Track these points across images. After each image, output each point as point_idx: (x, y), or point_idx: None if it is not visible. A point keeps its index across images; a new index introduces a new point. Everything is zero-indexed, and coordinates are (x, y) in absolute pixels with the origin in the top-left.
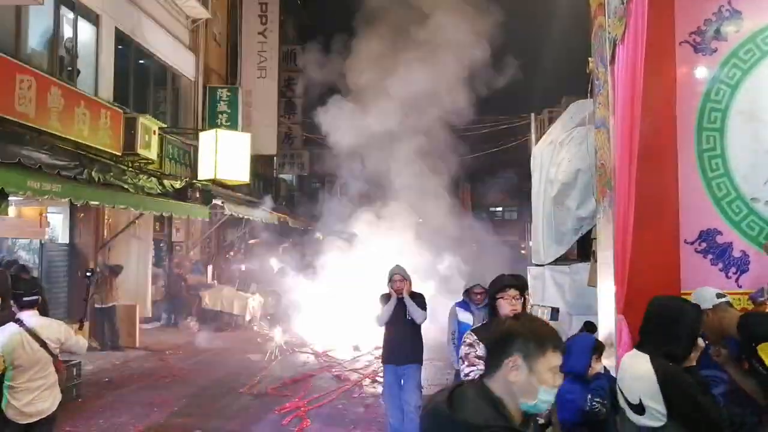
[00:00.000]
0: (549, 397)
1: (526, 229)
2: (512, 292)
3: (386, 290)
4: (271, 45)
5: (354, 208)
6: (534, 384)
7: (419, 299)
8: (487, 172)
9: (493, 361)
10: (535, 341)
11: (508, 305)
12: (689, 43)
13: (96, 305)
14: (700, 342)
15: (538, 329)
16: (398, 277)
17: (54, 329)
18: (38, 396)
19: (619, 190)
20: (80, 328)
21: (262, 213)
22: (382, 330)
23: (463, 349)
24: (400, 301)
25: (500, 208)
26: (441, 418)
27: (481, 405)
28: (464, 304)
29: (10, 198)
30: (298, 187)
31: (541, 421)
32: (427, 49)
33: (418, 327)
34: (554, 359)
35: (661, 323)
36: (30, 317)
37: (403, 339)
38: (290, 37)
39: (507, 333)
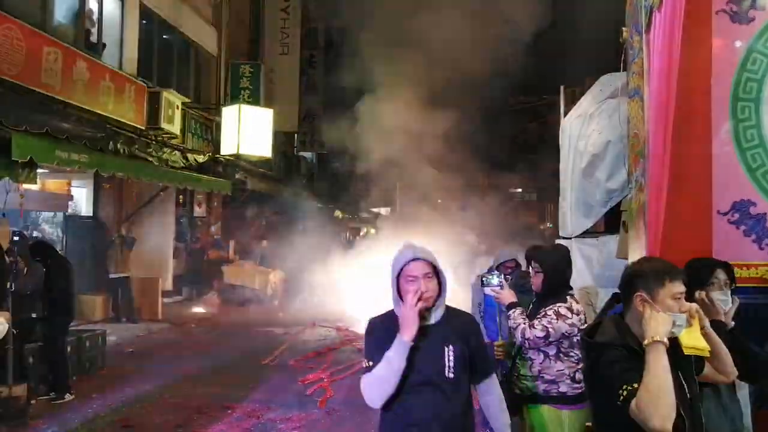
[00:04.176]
0: (679, 321)
1: (546, 211)
2: (534, 264)
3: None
4: (294, 22)
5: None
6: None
7: (467, 322)
8: (508, 153)
9: (625, 300)
10: (652, 276)
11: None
12: (726, 12)
13: (110, 275)
14: (718, 295)
15: (654, 265)
16: (420, 267)
17: None
18: None
19: (653, 159)
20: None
21: (284, 189)
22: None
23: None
24: (425, 332)
25: (520, 189)
26: (583, 342)
27: (610, 329)
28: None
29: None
30: (319, 165)
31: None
32: (449, 26)
33: (468, 391)
34: (674, 287)
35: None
36: None
37: (437, 421)
38: (313, 15)
39: (628, 274)
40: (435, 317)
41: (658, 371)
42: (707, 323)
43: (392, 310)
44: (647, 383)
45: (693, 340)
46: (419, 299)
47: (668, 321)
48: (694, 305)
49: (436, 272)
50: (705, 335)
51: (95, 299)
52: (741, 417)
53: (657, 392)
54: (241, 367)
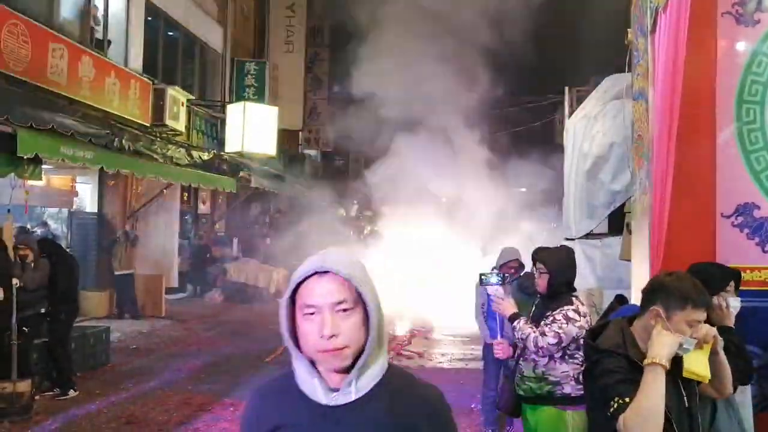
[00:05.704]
0: (687, 344)
1: (549, 211)
2: (539, 265)
3: None
4: (299, 19)
5: (378, 183)
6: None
7: (424, 400)
8: (510, 153)
9: (642, 306)
10: (676, 296)
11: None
12: (732, 14)
13: (115, 272)
14: (734, 302)
15: (682, 286)
16: (326, 288)
17: None
18: None
19: (657, 161)
20: None
21: (288, 187)
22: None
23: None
24: (339, 416)
25: (524, 189)
26: (585, 344)
27: (613, 335)
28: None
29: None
30: (323, 163)
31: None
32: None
33: None
34: (693, 315)
35: None
36: None
37: None
38: (318, 12)
39: (655, 285)
40: (360, 387)
41: (652, 394)
42: (721, 346)
43: (290, 370)
44: (638, 404)
45: (696, 365)
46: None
47: (675, 343)
48: (713, 330)
49: (362, 302)
50: (715, 357)
51: (99, 296)
52: (747, 419)
53: (646, 415)
54: (243, 364)
